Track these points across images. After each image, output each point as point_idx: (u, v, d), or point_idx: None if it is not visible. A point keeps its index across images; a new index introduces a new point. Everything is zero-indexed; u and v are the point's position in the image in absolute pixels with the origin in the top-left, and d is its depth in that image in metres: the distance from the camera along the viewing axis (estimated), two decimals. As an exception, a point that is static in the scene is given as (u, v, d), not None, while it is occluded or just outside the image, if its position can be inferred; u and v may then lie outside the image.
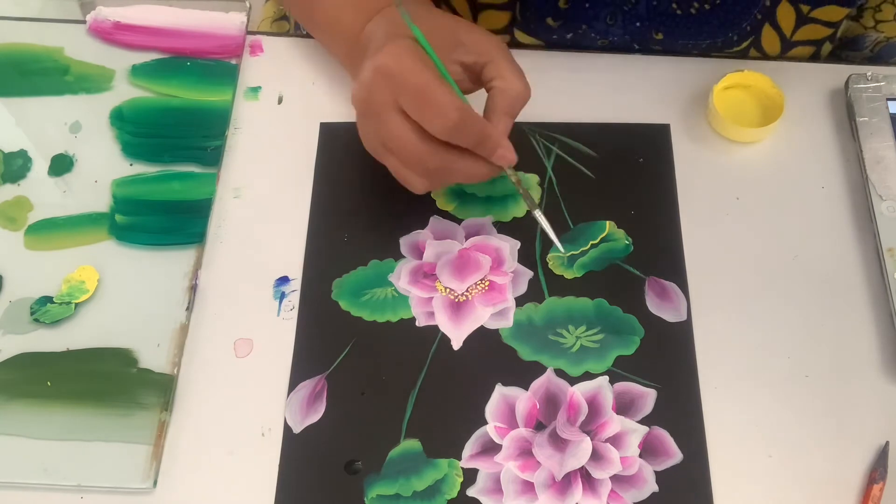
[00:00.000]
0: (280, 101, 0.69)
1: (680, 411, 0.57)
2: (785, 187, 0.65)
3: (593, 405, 0.57)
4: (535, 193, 0.64)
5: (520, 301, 0.60)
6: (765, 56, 0.71)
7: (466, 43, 0.57)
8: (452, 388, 0.57)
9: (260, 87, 0.69)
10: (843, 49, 0.77)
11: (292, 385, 0.58)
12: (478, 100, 0.58)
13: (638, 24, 0.68)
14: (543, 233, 0.61)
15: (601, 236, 0.63)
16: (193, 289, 0.61)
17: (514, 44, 0.72)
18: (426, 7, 0.61)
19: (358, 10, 0.61)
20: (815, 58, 0.72)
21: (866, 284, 0.61)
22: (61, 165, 0.66)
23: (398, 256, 0.62)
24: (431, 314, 0.60)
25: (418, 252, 0.62)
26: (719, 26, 0.68)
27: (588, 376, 0.58)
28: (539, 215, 0.60)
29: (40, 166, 0.66)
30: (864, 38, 0.76)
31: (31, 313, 0.60)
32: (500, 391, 0.57)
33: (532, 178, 0.65)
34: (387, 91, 0.54)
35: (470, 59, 0.57)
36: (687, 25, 0.68)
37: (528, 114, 0.67)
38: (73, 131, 0.67)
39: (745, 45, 0.69)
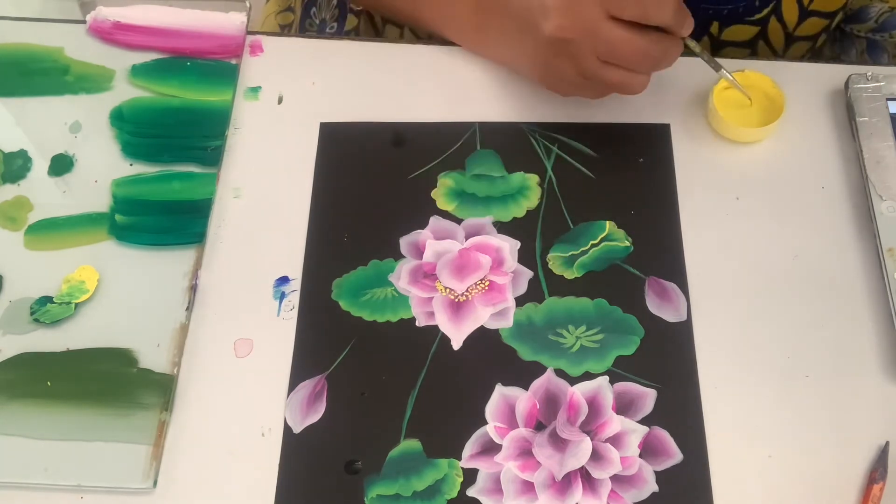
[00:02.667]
0: (280, 101, 0.69)
1: (680, 411, 0.57)
2: (785, 187, 0.65)
3: (593, 405, 0.57)
4: (535, 193, 0.64)
5: (520, 301, 0.60)
6: (783, 26, 0.71)
7: None
8: (452, 388, 0.57)
9: (260, 87, 0.69)
10: (848, 22, 0.77)
11: (292, 385, 0.58)
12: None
13: None
14: (543, 228, 0.61)
15: (601, 236, 0.63)
16: (193, 289, 0.61)
17: None
18: None
19: None
20: (826, 30, 0.72)
21: (866, 284, 0.61)
22: (61, 165, 0.66)
23: (398, 256, 0.62)
24: (431, 314, 0.60)
25: (418, 252, 0.62)
26: None
27: (588, 376, 0.58)
28: (725, 73, 0.64)
29: (40, 166, 0.66)
30: (869, 8, 0.76)
31: (31, 313, 0.60)
32: (500, 391, 0.57)
33: (532, 178, 0.65)
34: (594, 5, 0.56)
35: None
36: None
37: (528, 114, 0.67)
38: (73, 131, 0.67)
39: (766, 12, 0.70)
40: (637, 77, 0.60)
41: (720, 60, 0.65)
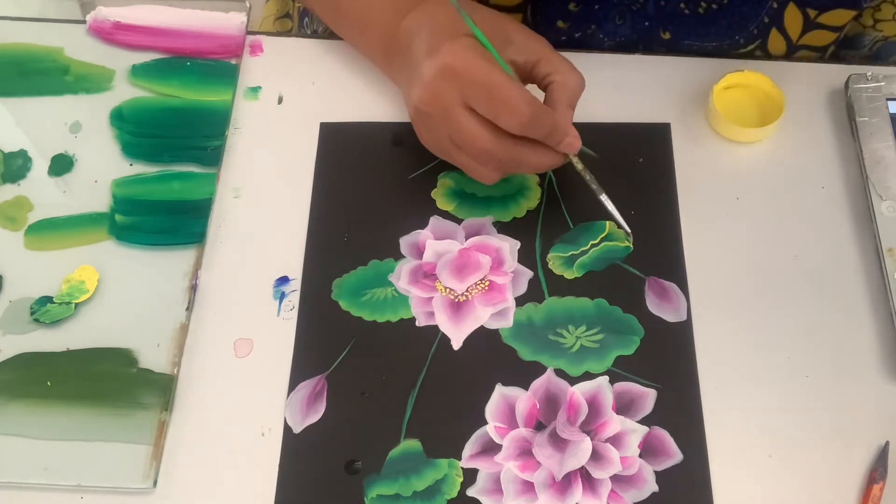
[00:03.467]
0: (280, 101, 0.69)
1: (680, 411, 0.57)
2: (785, 187, 0.65)
3: (593, 405, 0.57)
4: (535, 194, 0.64)
5: (520, 301, 0.60)
6: (769, 59, 0.71)
7: (516, 41, 0.58)
8: (452, 388, 0.57)
9: (260, 87, 0.69)
10: (842, 48, 0.77)
11: (292, 385, 0.58)
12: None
13: (646, 23, 0.68)
14: (543, 228, 0.61)
15: (601, 236, 0.63)
16: (193, 289, 0.61)
17: None
18: (470, 4, 0.61)
19: (395, 7, 0.62)
20: (817, 61, 0.72)
21: (866, 284, 0.61)
22: (61, 165, 0.66)
23: (398, 256, 0.62)
24: (431, 314, 0.60)
25: (418, 252, 0.62)
26: (727, 28, 0.68)
27: (588, 376, 0.58)
28: (606, 200, 0.61)
29: (40, 166, 0.66)
30: (863, 36, 0.76)
31: (31, 313, 0.60)
32: (500, 391, 0.57)
33: (532, 178, 0.65)
34: (454, 90, 0.55)
35: (521, 58, 0.58)
36: (695, 25, 0.68)
37: (528, 114, 0.67)
38: (73, 131, 0.67)
39: (751, 47, 0.69)
40: (487, 171, 0.59)
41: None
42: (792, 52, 0.71)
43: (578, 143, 0.58)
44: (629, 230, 0.61)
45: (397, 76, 0.64)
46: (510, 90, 0.54)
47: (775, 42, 0.69)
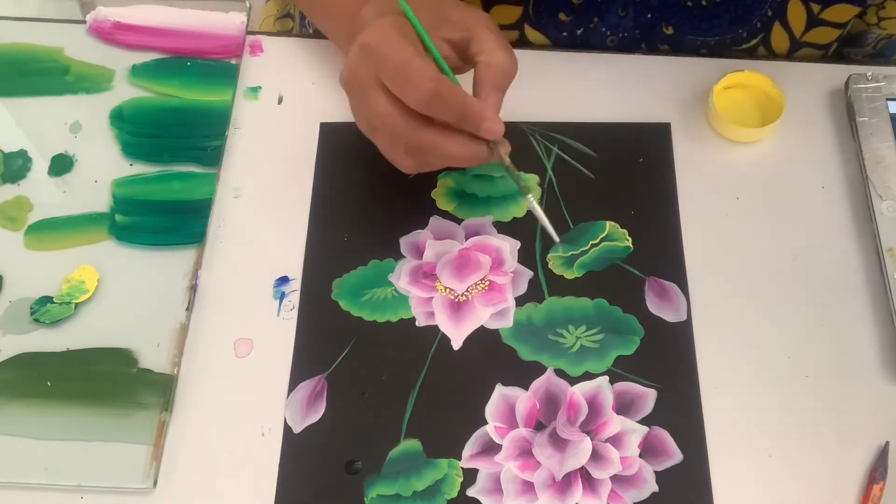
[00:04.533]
0: (280, 101, 0.69)
1: (680, 411, 0.57)
2: (785, 187, 0.65)
3: (593, 405, 0.57)
4: (535, 193, 0.64)
5: (520, 301, 0.60)
6: (773, 55, 0.71)
7: (452, 19, 0.56)
8: (452, 388, 0.57)
9: (260, 87, 0.69)
10: (846, 46, 0.77)
11: (292, 385, 0.58)
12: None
13: (649, 15, 0.68)
14: (543, 230, 0.61)
15: (601, 236, 0.63)
16: (193, 289, 0.61)
17: (523, 41, 0.72)
18: None
19: None
20: (820, 59, 0.72)
21: (866, 284, 0.61)
22: (61, 165, 0.66)
23: (398, 256, 0.62)
24: (431, 314, 0.60)
25: (418, 252, 0.62)
26: (730, 21, 0.68)
27: (588, 376, 0.58)
28: (531, 200, 0.58)
29: (40, 166, 0.66)
30: (867, 34, 0.76)
31: (31, 313, 0.60)
32: (500, 391, 0.57)
33: (532, 178, 0.65)
34: (369, 68, 0.53)
35: (456, 36, 0.56)
36: (697, 18, 0.68)
37: (528, 114, 0.67)
38: (73, 131, 0.67)
39: (754, 42, 0.69)
40: (402, 155, 0.56)
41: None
42: (795, 50, 0.71)
43: (499, 127, 0.54)
44: (557, 239, 0.58)
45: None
46: (416, 64, 0.51)
47: (778, 37, 0.69)
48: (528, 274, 0.61)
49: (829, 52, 0.72)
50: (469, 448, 0.56)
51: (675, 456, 0.55)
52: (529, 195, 0.58)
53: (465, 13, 0.57)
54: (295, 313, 0.60)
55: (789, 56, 0.71)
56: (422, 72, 0.51)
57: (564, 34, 0.71)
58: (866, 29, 0.76)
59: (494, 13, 0.70)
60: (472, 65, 0.56)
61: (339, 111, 0.68)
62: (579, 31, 0.70)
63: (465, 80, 0.56)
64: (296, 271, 0.62)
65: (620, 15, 0.69)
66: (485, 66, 0.55)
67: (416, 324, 0.60)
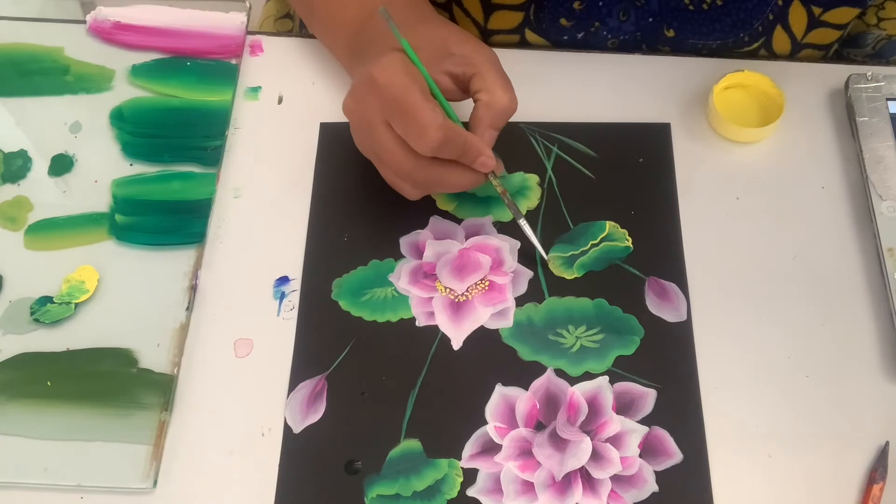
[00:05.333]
0: (280, 101, 0.69)
1: (680, 411, 0.57)
2: (785, 187, 0.65)
3: (593, 405, 0.57)
4: (535, 194, 0.64)
5: (520, 301, 0.60)
6: (774, 57, 0.71)
7: (456, 53, 0.58)
8: (452, 388, 0.57)
9: (260, 87, 0.69)
10: (845, 46, 0.77)
11: (292, 385, 0.58)
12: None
13: (650, 19, 0.68)
14: (543, 228, 0.61)
15: (601, 236, 0.63)
16: (193, 289, 0.61)
17: (523, 43, 0.72)
18: (418, 14, 0.61)
19: (361, 6, 0.61)
20: (821, 60, 0.72)
21: (866, 284, 0.61)
22: (61, 165, 0.66)
23: (398, 256, 0.62)
24: (431, 314, 0.60)
25: (418, 252, 0.62)
26: (731, 25, 0.68)
27: (588, 376, 0.58)
28: (524, 224, 0.60)
29: (40, 166, 0.66)
30: (867, 35, 0.76)
31: (31, 313, 0.60)
32: (500, 391, 0.57)
33: (532, 179, 0.65)
34: (375, 104, 0.55)
35: (458, 70, 0.57)
36: (699, 22, 0.68)
37: (528, 114, 0.67)
38: (73, 131, 0.67)
39: (755, 45, 0.69)
40: (403, 186, 0.58)
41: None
42: (796, 51, 0.71)
43: (492, 162, 0.57)
44: (546, 257, 0.61)
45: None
46: (423, 111, 0.53)
47: (780, 40, 0.69)
48: (528, 274, 0.61)
49: (829, 53, 0.72)
50: (469, 448, 0.56)
51: (675, 456, 0.55)
52: (521, 220, 0.60)
53: (470, 49, 0.58)
54: (295, 313, 0.60)
55: (790, 57, 0.71)
56: (431, 120, 0.53)
57: (565, 38, 0.71)
58: (866, 30, 0.76)
59: (495, 18, 0.70)
60: (473, 99, 0.58)
61: (340, 111, 0.67)
62: (580, 35, 0.70)
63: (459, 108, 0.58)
64: (296, 271, 0.62)
65: (622, 19, 0.69)
66: (485, 106, 0.57)
67: (416, 324, 0.60)
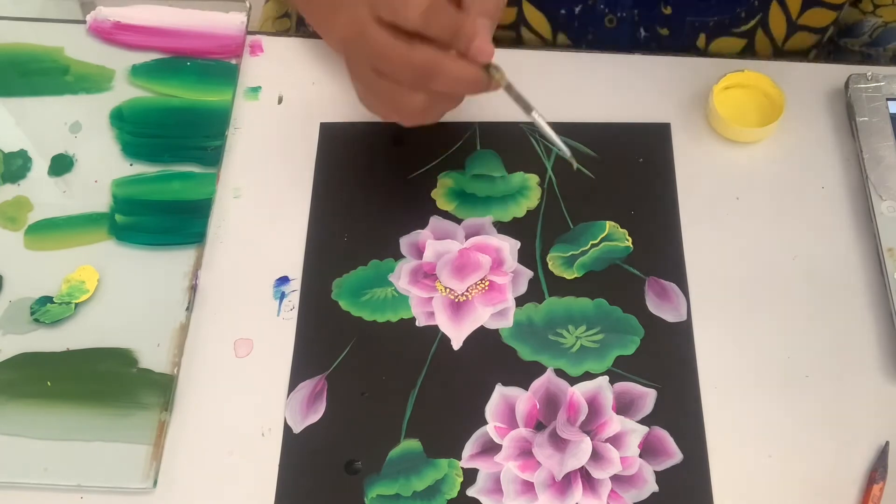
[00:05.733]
0: (280, 101, 0.69)
1: (680, 411, 0.57)
2: (785, 187, 0.65)
3: (593, 405, 0.57)
4: (535, 194, 0.64)
5: (520, 301, 0.60)
6: (771, 40, 0.71)
7: None
8: (452, 388, 0.57)
9: (260, 87, 0.69)
10: (842, 36, 0.77)
11: (292, 385, 0.58)
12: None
13: None
14: (543, 228, 0.61)
15: (601, 236, 0.63)
16: (193, 289, 0.61)
17: (521, 20, 0.72)
18: None
19: None
20: (816, 46, 0.72)
21: (866, 284, 0.61)
22: (61, 165, 0.66)
23: (398, 256, 0.62)
24: (431, 314, 0.60)
25: (418, 252, 0.62)
26: (728, 0, 0.68)
27: (588, 376, 0.58)
28: (537, 116, 0.55)
29: (40, 166, 0.66)
30: (863, 23, 0.76)
31: (31, 313, 0.60)
32: (500, 391, 0.57)
33: (532, 179, 0.65)
34: (364, 6, 0.53)
35: None
36: None
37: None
38: (73, 131, 0.67)
39: (752, 23, 0.69)
40: (409, 94, 0.54)
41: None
42: (791, 33, 0.70)
43: (489, 49, 0.53)
44: (569, 153, 0.55)
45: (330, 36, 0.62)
46: None
47: (776, 19, 0.69)
48: (528, 274, 0.61)
49: (825, 38, 0.72)
50: (469, 448, 0.56)
51: (675, 456, 0.55)
52: (534, 112, 0.55)
53: None
54: (295, 313, 0.60)
55: (785, 41, 0.71)
56: None
57: (563, 11, 0.70)
58: (862, 18, 0.76)
59: None
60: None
61: (339, 111, 0.68)
62: (577, 9, 0.70)
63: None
64: (296, 271, 0.62)
65: None
66: None
67: (416, 324, 0.60)
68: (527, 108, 0.55)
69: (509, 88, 0.55)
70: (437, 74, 0.53)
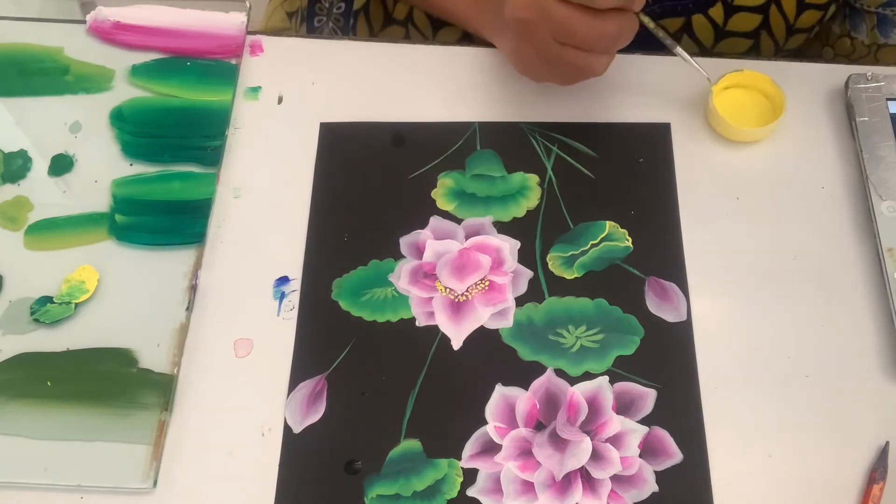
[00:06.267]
0: (280, 101, 0.69)
1: (680, 411, 0.57)
2: (785, 187, 0.65)
3: (593, 405, 0.57)
4: (535, 194, 0.64)
5: (520, 301, 0.60)
6: (784, 17, 0.71)
7: None
8: (452, 388, 0.57)
9: (260, 87, 0.69)
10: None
11: (292, 385, 0.58)
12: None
13: None
14: (543, 228, 0.61)
15: (601, 236, 0.63)
16: (193, 289, 0.61)
17: None
18: None
19: None
20: (820, 21, 0.73)
21: (866, 284, 0.61)
22: (61, 165, 0.66)
23: (398, 256, 0.62)
24: (431, 314, 0.60)
25: (418, 252, 0.62)
26: None
27: (588, 376, 0.58)
28: (681, 52, 0.63)
29: (40, 166, 0.66)
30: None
31: (31, 313, 0.60)
32: (500, 391, 0.57)
33: (532, 179, 0.65)
34: None
35: None
36: None
37: (528, 114, 0.67)
38: (73, 131, 0.67)
39: None
40: (596, 58, 0.60)
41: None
42: (802, 10, 0.72)
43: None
44: (706, 73, 0.64)
45: (491, 24, 0.66)
46: None
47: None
48: (528, 274, 0.61)
49: (826, 16, 0.72)
50: (469, 448, 0.56)
51: (675, 456, 0.55)
52: (678, 48, 0.63)
53: None
54: (295, 313, 0.60)
55: (798, 16, 0.71)
56: None
57: None
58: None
59: None
60: None
61: (339, 111, 0.68)
62: None
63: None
64: (296, 271, 0.62)
65: None
66: None
67: (416, 324, 0.60)
68: (671, 45, 0.63)
69: (656, 28, 0.63)
70: (624, 36, 0.59)
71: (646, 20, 0.62)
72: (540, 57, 0.60)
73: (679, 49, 0.63)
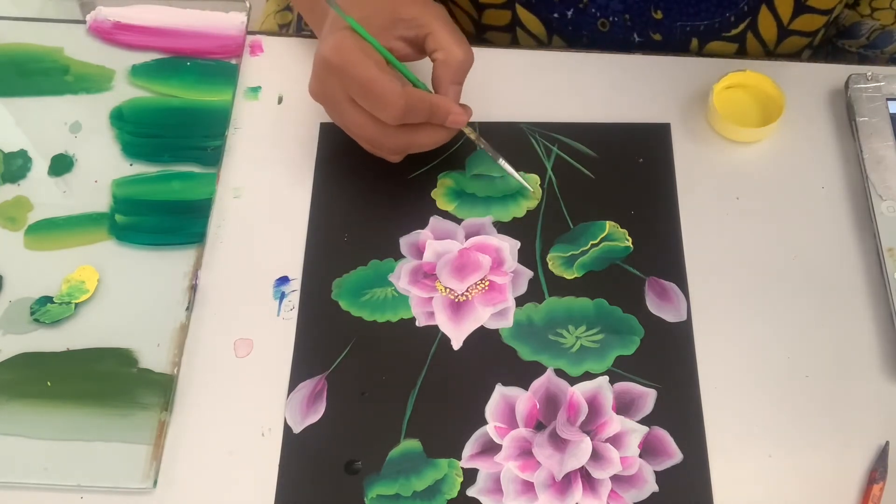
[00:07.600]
0: (280, 101, 0.69)
1: (680, 411, 0.57)
2: (785, 187, 0.65)
3: (593, 405, 0.57)
4: (537, 194, 0.64)
5: (520, 301, 0.60)
6: (762, 44, 0.71)
7: (405, 17, 0.59)
8: (452, 388, 0.57)
9: (260, 87, 0.69)
10: (840, 38, 0.78)
11: (292, 385, 0.58)
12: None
13: None
14: (543, 228, 0.61)
15: (601, 236, 0.63)
16: (193, 289, 0.61)
17: (515, 22, 0.72)
18: None
19: None
20: (809, 47, 0.72)
21: (866, 284, 0.61)
22: (61, 165, 0.66)
23: (398, 256, 0.62)
24: (431, 314, 0.60)
25: (418, 252, 0.62)
26: (717, 4, 0.68)
27: (588, 376, 0.58)
28: (504, 163, 0.63)
29: (40, 166, 0.66)
30: (861, 25, 0.76)
31: (31, 313, 0.60)
32: (500, 391, 0.57)
33: (532, 179, 0.65)
34: (336, 84, 0.57)
35: (411, 34, 0.59)
36: (685, 2, 0.68)
37: (528, 114, 0.67)
38: (73, 131, 0.67)
39: (742, 27, 0.69)
40: (381, 153, 0.61)
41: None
42: (783, 38, 0.71)
43: (463, 118, 0.59)
44: (531, 188, 0.63)
45: (317, 28, 0.66)
46: (381, 85, 0.55)
47: (765, 23, 0.70)
48: (528, 274, 0.61)
49: (815, 41, 0.72)
50: (469, 448, 0.56)
51: (675, 456, 0.55)
52: (500, 160, 0.63)
53: (418, 10, 0.59)
54: (295, 313, 0.60)
55: (777, 45, 0.71)
56: (390, 90, 0.55)
57: (555, 15, 0.71)
58: (860, 20, 0.76)
59: None
60: (430, 59, 0.60)
61: (339, 111, 0.68)
62: (570, 13, 0.70)
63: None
64: (296, 271, 0.62)
65: None
66: (442, 64, 0.59)
67: (416, 324, 0.60)
68: (494, 155, 0.63)
69: (478, 139, 0.63)
70: (412, 148, 0.61)
71: (467, 130, 0.62)
72: (335, 111, 0.60)
73: (502, 160, 0.63)
